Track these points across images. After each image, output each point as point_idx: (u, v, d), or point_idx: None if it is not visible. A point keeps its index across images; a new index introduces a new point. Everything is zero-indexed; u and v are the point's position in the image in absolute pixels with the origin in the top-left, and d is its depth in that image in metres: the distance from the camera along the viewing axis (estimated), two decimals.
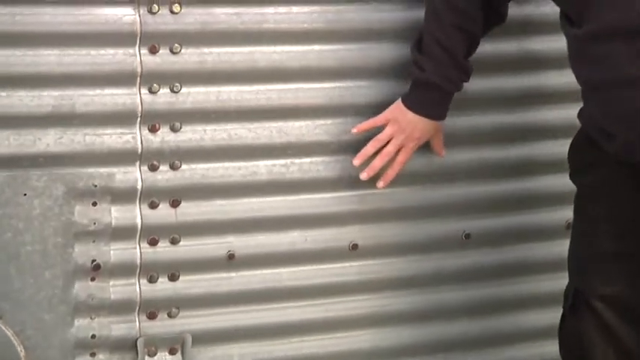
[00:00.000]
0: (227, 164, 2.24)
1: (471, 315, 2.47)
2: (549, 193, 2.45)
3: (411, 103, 2.20)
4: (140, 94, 2.16)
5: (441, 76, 2.16)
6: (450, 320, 2.46)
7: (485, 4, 2.17)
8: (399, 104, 2.22)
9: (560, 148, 2.30)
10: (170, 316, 2.28)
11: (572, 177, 2.15)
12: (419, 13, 2.23)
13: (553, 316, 2.40)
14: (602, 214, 2.05)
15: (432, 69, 2.17)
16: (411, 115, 2.20)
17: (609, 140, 1.95)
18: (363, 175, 2.24)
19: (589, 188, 2.09)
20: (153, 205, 2.22)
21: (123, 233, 2.22)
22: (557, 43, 2.20)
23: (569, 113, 2.30)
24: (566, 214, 2.39)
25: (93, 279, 2.22)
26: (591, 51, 1.91)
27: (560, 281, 2.39)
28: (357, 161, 2.24)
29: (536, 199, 2.46)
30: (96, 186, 2.18)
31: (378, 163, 2.23)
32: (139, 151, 2.19)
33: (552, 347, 2.24)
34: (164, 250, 2.25)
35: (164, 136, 2.20)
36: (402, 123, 2.21)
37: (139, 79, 2.15)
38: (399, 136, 2.22)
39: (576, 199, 2.13)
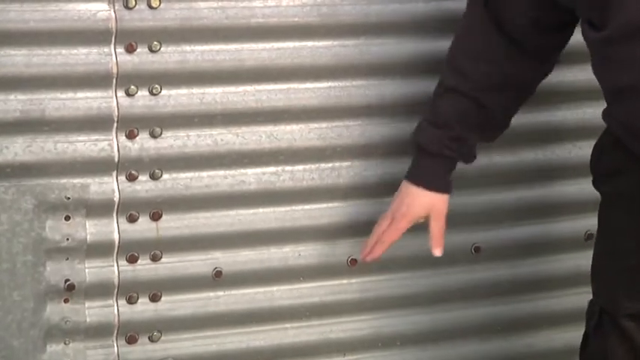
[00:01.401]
0: (212, 173, 2.22)
1: (481, 335, 2.46)
2: (567, 201, 2.44)
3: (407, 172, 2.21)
4: (116, 97, 2.14)
5: (428, 139, 2.15)
6: (458, 341, 2.44)
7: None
8: None
9: (579, 151, 2.31)
10: (151, 340, 2.26)
11: (595, 184, 2.11)
12: (421, 6, 2.24)
13: (571, 335, 2.40)
14: (629, 224, 2.00)
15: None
16: (406, 186, 2.19)
17: (638, 139, 1.91)
18: (361, 256, 2.24)
19: (615, 196, 2.04)
20: (132, 219, 2.20)
21: (99, 250, 2.20)
22: (575, 38, 2.15)
23: (588, 113, 2.31)
24: (586, 223, 2.39)
25: (66, 300, 2.20)
26: (616, 53, 1.88)
27: (578, 297, 2.40)
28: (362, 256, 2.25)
29: (553, 208, 2.44)
30: (69, 198, 2.16)
31: (371, 239, 2.22)
32: (116, 159, 2.17)
33: None
34: (144, 267, 2.23)
35: (143, 143, 2.17)
36: (398, 196, 2.20)
37: (114, 80, 2.13)
38: (391, 208, 2.20)
39: (600, 209, 2.09)
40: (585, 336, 2.13)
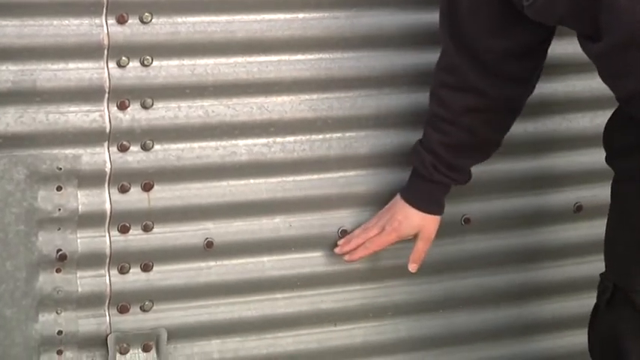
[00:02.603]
0: (203, 144, 2.22)
1: (471, 306, 2.45)
2: (556, 173, 2.42)
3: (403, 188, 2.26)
4: (108, 68, 2.13)
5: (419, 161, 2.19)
6: (449, 312, 2.44)
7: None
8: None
9: (569, 124, 2.30)
10: (143, 309, 2.26)
11: (608, 160, 2.08)
12: None
13: (560, 306, 2.45)
14: None
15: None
16: (401, 202, 2.24)
17: None
18: (337, 249, 2.29)
19: (629, 172, 2.01)
20: (123, 189, 2.19)
21: (91, 220, 2.19)
22: None
23: (578, 86, 2.30)
24: (576, 195, 2.39)
25: (59, 270, 2.19)
26: (617, 62, 1.87)
27: (567, 268, 2.44)
28: (341, 241, 2.29)
29: (542, 180, 2.42)
30: (60, 169, 2.15)
31: (354, 242, 2.27)
32: (107, 130, 2.16)
33: (563, 340, 2.24)
34: (136, 238, 2.22)
35: (134, 114, 2.17)
36: (392, 209, 2.24)
37: (106, 51, 2.12)
38: (383, 217, 2.24)
39: (614, 184, 2.07)
40: (595, 309, 2.11)
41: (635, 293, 1.99)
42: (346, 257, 2.28)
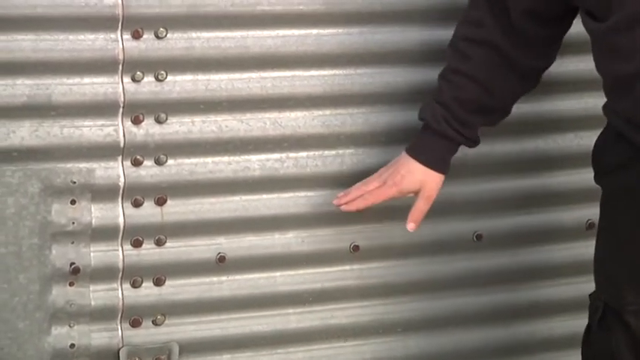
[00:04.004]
0: (217, 159, 2.23)
1: (482, 323, 2.45)
2: (568, 190, 2.43)
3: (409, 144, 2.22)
4: (122, 82, 2.15)
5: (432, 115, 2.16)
6: (459, 329, 2.45)
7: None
8: None
9: (581, 141, 2.30)
10: (155, 323, 2.27)
11: (597, 178, 2.10)
12: None
13: (572, 324, 2.44)
14: (632, 219, 1.99)
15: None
16: (405, 157, 2.20)
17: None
18: (335, 201, 2.25)
19: (618, 191, 2.03)
20: (137, 204, 2.21)
21: (104, 234, 2.20)
22: (576, 28, 2.16)
23: (590, 103, 2.29)
24: (587, 212, 2.40)
25: (72, 283, 2.20)
26: (618, 42, 1.89)
27: (579, 286, 2.42)
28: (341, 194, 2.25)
29: (554, 197, 2.43)
30: (75, 182, 2.16)
31: (353, 194, 2.23)
32: (122, 144, 2.17)
33: (576, 358, 2.21)
34: (149, 252, 2.23)
35: (148, 129, 2.18)
36: (395, 164, 2.21)
37: (121, 66, 2.13)
38: (385, 171, 2.21)
39: (603, 203, 2.08)
40: (588, 329, 2.12)
41: (628, 313, 2.00)
42: (343, 207, 2.22)
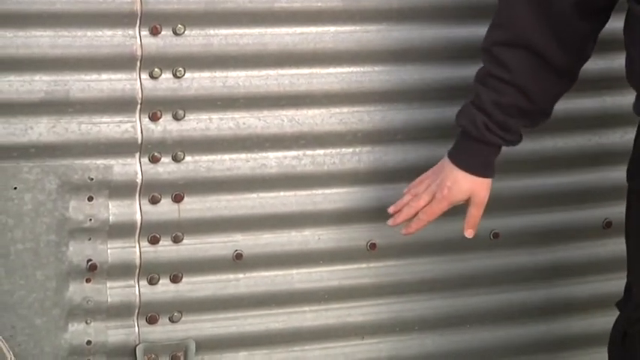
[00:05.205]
0: (234, 156, 2.24)
1: (498, 321, 2.46)
2: (586, 188, 2.43)
3: (451, 149, 2.17)
4: (140, 79, 2.16)
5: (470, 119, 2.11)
6: (476, 327, 2.45)
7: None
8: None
9: (599, 139, 2.30)
10: (172, 320, 2.28)
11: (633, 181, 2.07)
12: None
13: (589, 322, 2.46)
14: None
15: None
16: (449, 167, 2.15)
17: None
18: (390, 222, 2.20)
19: None
20: (154, 200, 2.22)
21: (121, 231, 2.21)
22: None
23: (608, 102, 2.29)
24: (605, 211, 2.39)
25: (89, 280, 2.21)
26: None
27: (596, 284, 2.45)
28: (392, 208, 2.20)
29: (572, 196, 2.43)
30: (92, 179, 2.17)
31: (406, 213, 2.18)
32: (139, 141, 2.18)
33: (591, 357, 2.24)
34: (166, 249, 2.24)
35: (166, 125, 2.19)
36: (440, 173, 2.16)
37: (139, 63, 2.14)
38: (430, 182, 2.16)
39: (632, 207, 2.06)
40: (624, 334, 2.09)
41: None
42: (402, 231, 2.19)
